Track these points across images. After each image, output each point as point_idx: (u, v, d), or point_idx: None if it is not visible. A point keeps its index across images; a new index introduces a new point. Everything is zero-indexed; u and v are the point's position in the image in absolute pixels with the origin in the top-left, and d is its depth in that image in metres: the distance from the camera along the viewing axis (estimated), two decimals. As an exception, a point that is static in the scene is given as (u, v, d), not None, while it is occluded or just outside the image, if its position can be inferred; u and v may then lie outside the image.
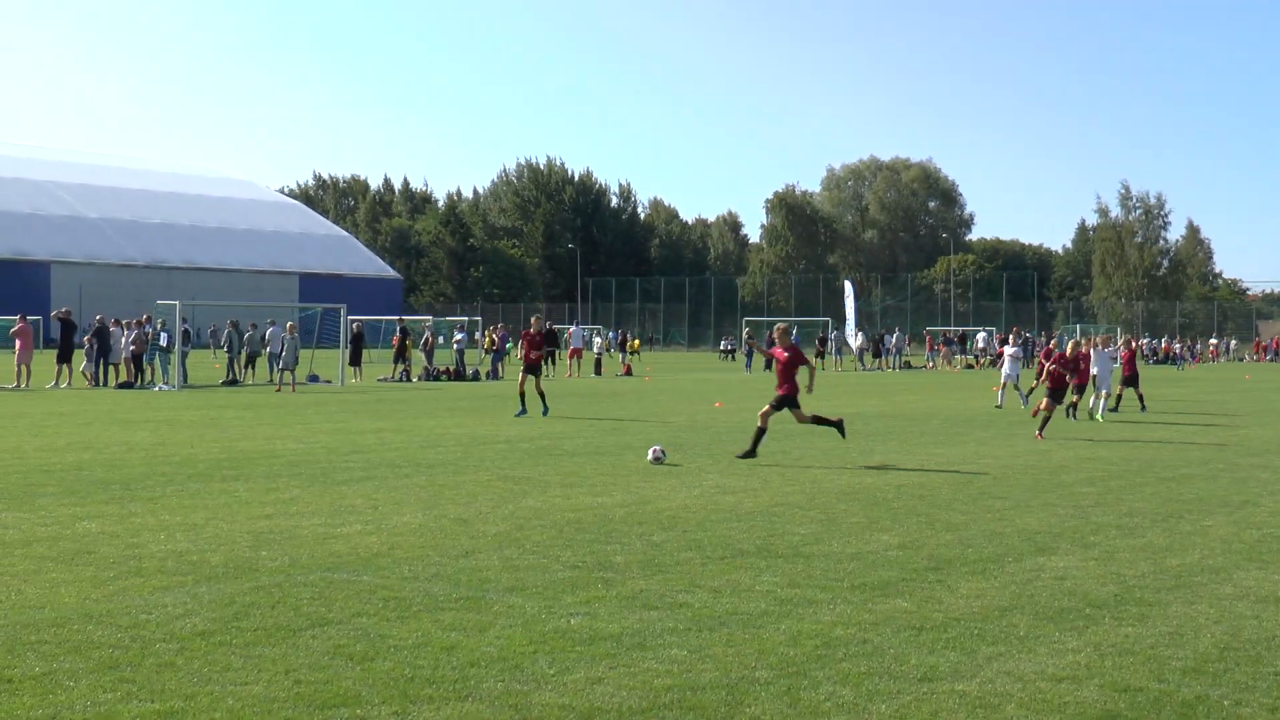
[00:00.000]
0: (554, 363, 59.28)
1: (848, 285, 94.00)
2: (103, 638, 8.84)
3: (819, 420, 21.61)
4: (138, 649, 8.54)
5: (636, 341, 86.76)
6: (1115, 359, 35.62)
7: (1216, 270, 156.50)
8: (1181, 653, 8.79)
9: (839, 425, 21.86)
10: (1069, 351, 28.64)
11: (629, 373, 61.43)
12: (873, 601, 10.33)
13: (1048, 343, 38.21)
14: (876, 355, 77.41)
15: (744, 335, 75.38)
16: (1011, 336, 40.99)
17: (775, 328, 21.97)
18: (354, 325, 53.06)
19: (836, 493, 17.02)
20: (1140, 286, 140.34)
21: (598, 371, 61.17)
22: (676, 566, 11.67)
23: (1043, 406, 27.22)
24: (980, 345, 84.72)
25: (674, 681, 7.92)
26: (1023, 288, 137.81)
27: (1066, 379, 28.11)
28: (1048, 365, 28.30)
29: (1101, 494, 17.14)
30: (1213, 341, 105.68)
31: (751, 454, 20.77)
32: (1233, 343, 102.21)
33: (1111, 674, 8.22)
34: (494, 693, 7.62)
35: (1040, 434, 26.16)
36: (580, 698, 7.56)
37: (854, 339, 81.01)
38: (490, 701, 7.45)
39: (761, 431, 21.00)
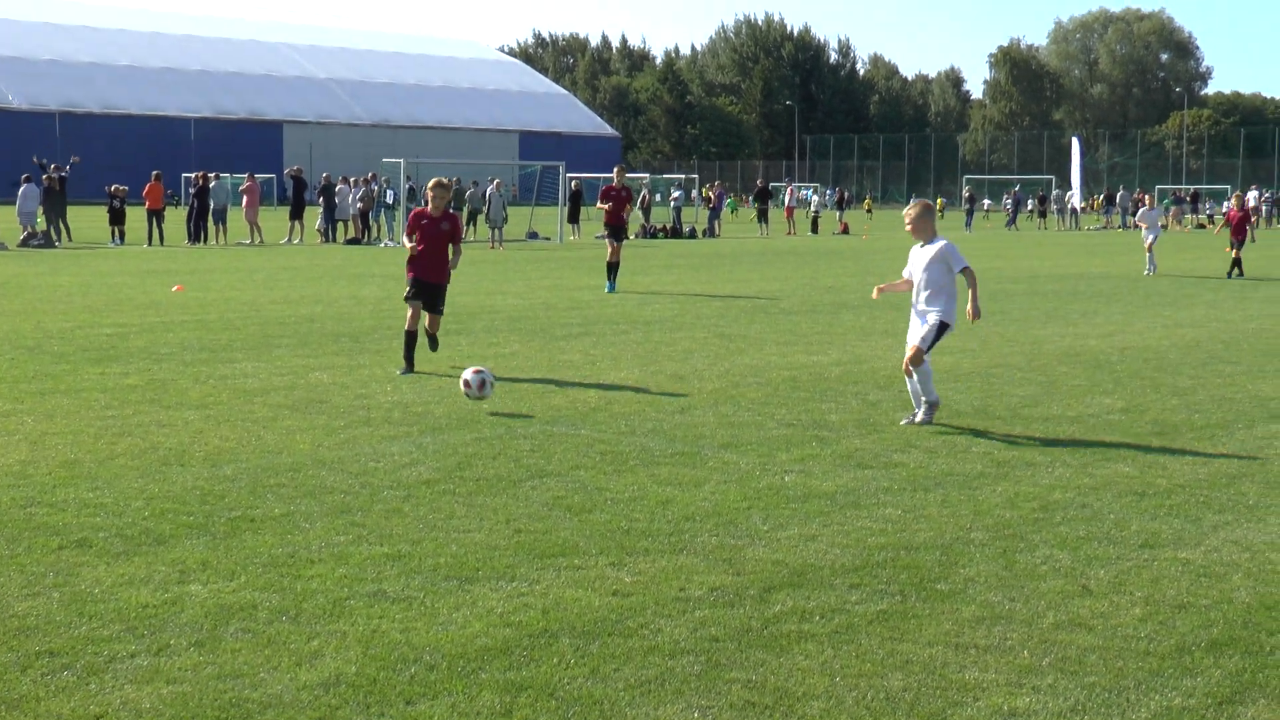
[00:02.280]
0: (767, 220, 58.97)
1: (1075, 142, 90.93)
2: (335, 483, 9.19)
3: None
4: (367, 495, 8.87)
5: (869, 200, 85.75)
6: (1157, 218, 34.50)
7: None
8: None
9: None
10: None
11: (846, 231, 60.78)
12: (1093, 465, 10.13)
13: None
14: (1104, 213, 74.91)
15: (965, 194, 73.74)
16: (1149, 199, 36.93)
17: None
18: (573, 183, 53.45)
19: (1057, 355, 16.66)
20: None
21: (814, 229, 60.66)
22: (892, 426, 11.60)
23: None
24: (1251, 204, 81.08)
25: (888, 540, 7.91)
26: (1263, 144, 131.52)
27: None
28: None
29: (1341, 360, 16.43)
30: None
31: None
32: None
33: (1346, 545, 7.94)
34: (708, 546, 7.72)
35: None
36: (793, 554, 7.60)
37: (1077, 198, 78.37)
38: (704, 555, 7.55)
39: None
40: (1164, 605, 6.77)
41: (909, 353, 11.65)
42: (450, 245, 14.56)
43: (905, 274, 12.10)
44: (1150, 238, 33.30)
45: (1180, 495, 9.20)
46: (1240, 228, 31.97)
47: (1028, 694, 5.59)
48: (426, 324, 14.60)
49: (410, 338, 14.56)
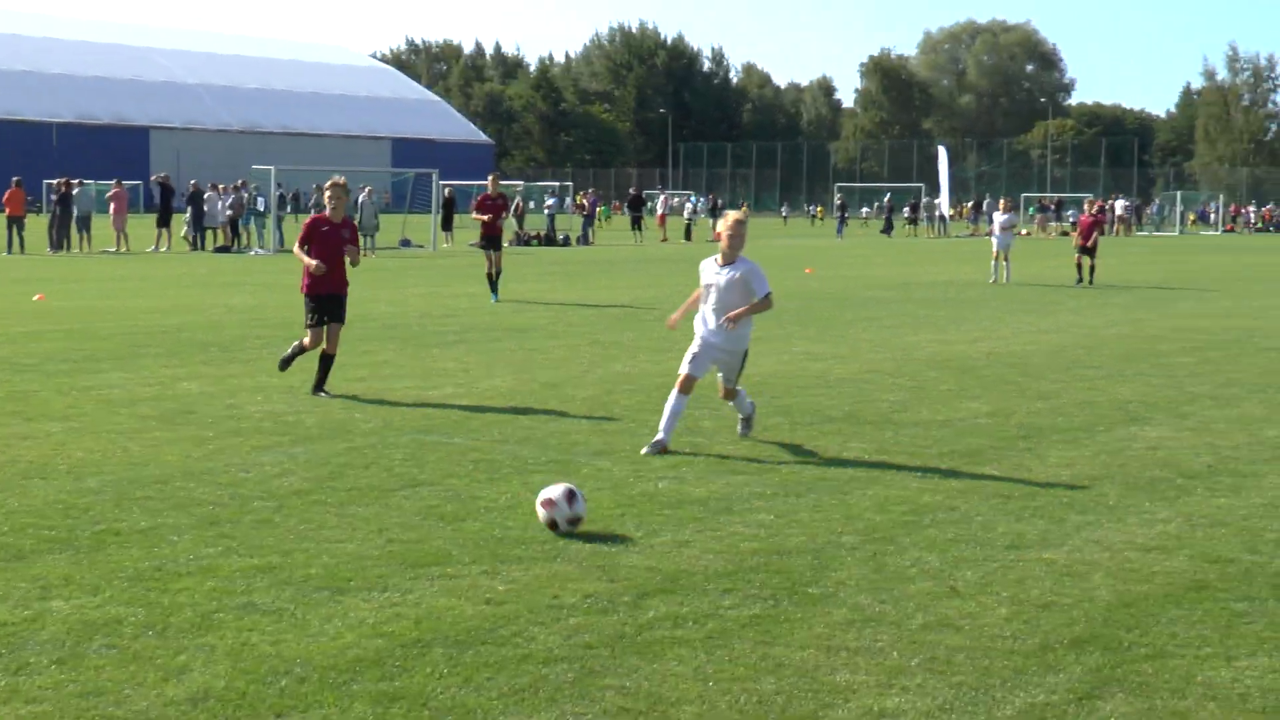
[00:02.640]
0: (641, 227, 59.20)
1: (942, 151, 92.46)
2: (204, 495, 9.05)
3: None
4: (237, 506, 8.75)
5: (745, 206, 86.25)
6: (1013, 226, 34.65)
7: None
8: (1275, 525, 8.70)
9: None
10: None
11: (719, 238, 61.08)
12: (961, 469, 10.31)
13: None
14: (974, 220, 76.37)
15: (836, 202, 74.59)
16: (1003, 203, 36.13)
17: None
18: (446, 190, 53.18)
19: (926, 360, 16.93)
20: (1246, 152, 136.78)
21: (688, 237, 60.96)
22: (764, 432, 11.70)
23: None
24: (1120, 213, 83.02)
25: (760, 545, 7.98)
26: (1123, 154, 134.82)
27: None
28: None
29: (1198, 364, 16.90)
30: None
31: None
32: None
33: (1202, 545, 8.17)
34: (581, 554, 7.73)
35: None
36: (666, 560, 7.64)
37: (945, 206, 79.68)
38: (578, 562, 7.55)
39: None
40: (1029, 605, 6.91)
41: (721, 390, 11.24)
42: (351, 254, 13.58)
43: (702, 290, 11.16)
44: (1000, 244, 32.85)
45: (1045, 497, 9.40)
46: (1090, 234, 32.35)
47: (897, 694, 5.68)
48: (326, 343, 13.39)
49: (301, 349, 13.66)
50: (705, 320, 11.00)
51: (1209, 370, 16.28)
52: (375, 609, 6.67)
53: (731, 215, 11.23)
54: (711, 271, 11.04)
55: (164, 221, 44.80)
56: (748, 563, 7.60)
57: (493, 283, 24.96)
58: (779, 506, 8.98)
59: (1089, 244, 32.06)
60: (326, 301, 13.48)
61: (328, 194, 13.56)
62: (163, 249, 43.72)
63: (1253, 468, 10.50)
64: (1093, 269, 32.13)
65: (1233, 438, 11.79)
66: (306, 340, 13.58)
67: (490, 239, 25.01)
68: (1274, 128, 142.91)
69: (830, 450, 10.99)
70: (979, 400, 13.71)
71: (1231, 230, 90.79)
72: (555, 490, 8.14)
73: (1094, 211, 33.38)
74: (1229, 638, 6.44)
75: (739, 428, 11.49)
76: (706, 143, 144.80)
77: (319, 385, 13.40)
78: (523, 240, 53.08)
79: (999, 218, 33.96)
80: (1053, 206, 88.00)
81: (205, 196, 45.72)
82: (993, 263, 32.78)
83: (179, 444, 10.82)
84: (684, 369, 10.90)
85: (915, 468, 10.32)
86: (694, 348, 10.97)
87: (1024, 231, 78.49)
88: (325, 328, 13.44)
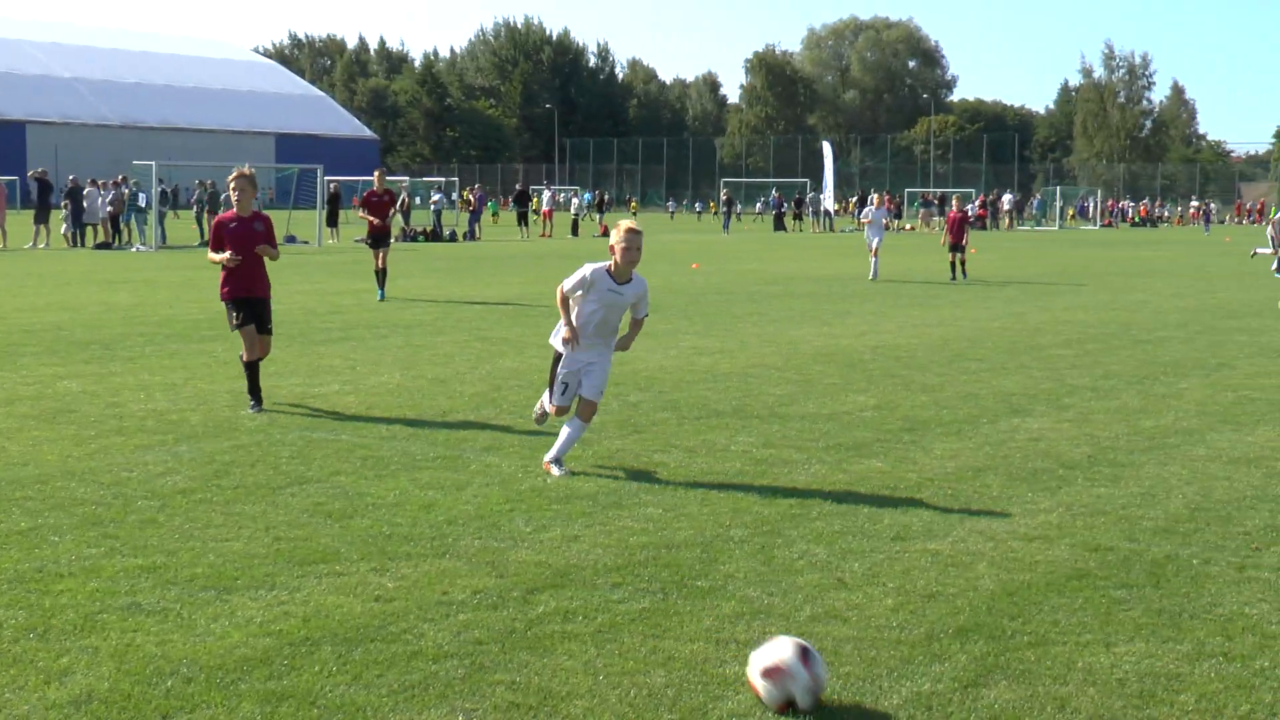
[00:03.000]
0: (527, 223, 59.12)
1: (826, 147, 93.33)
2: (86, 494, 8.89)
3: None
4: (120, 505, 8.60)
5: (635, 203, 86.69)
6: (883, 220, 34.40)
7: (1200, 132, 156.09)
8: (1153, 513, 8.90)
9: None
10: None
11: (606, 233, 61.27)
12: (847, 462, 10.43)
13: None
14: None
15: (722, 197, 74.99)
16: (875, 198, 35.70)
17: None
18: (331, 186, 52.66)
19: (812, 354, 17.08)
20: (1122, 148, 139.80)
21: (574, 232, 60.95)
22: (653, 427, 11.75)
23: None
24: (1008, 207, 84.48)
25: (649, 540, 8.01)
26: (1003, 149, 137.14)
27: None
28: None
29: (1078, 356, 17.23)
30: (1194, 204, 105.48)
31: None
32: (1213, 205, 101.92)
33: (1083, 534, 8.34)
34: (471, 550, 7.71)
35: None
36: (556, 555, 7.64)
37: (830, 201, 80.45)
38: (467, 558, 7.53)
39: None
40: (914, 595, 7.01)
41: (587, 408, 9.91)
42: (265, 252, 12.40)
43: (583, 298, 9.83)
44: (874, 240, 32.59)
45: (929, 489, 9.53)
46: (958, 230, 32.41)
47: (786, 685, 5.71)
48: (256, 349, 12.37)
49: (252, 369, 12.36)
50: (586, 341, 9.81)
51: (1088, 362, 16.61)
52: (263, 608, 6.59)
53: (625, 225, 9.83)
54: (605, 288, 9.71)
55: (42, 218, 43.84)
56: (637, 557, 7.63)
57: (380, 279, 24.70)
58: (667, 500, 9.01)
59: (959, 241, 32.39)
60: (248, 307, 12.31)
61: (232, 186, 12.18)
62: (41, 245, 42.79)
63: (1130, 458, 10.74)
64: (964, 264, 32.33)
65: (1111, 428, 12.04)
66: (244, 352, 12.37)
67: (377, 236, 24.74)
68: (1149, 124, 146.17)
69: (718, 444, 11.05)
70: (865, 394, 13.87)
71: (1110, 225, 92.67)
72: (779, 651, 5.57)
73: (960, 208, 33.48)
74: (1108, 624, 6.58)
75: (551, 452, 9.94)
76: (593, 138, 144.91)
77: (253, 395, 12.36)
78: (409, 236, 52.72)
79: (870, 213, 33.64)
80: (935, 201, 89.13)
81: (84, 192, 44.84)
82: (872, 259, 32.54)
83: (59, 443, 10.61)
84: (555, 401, 9.97)
85: (802, 461, 10.42)
86: (573, 372, 9.85)
87: (908, 226, 79.56)
88: (254, 331, 12.31)
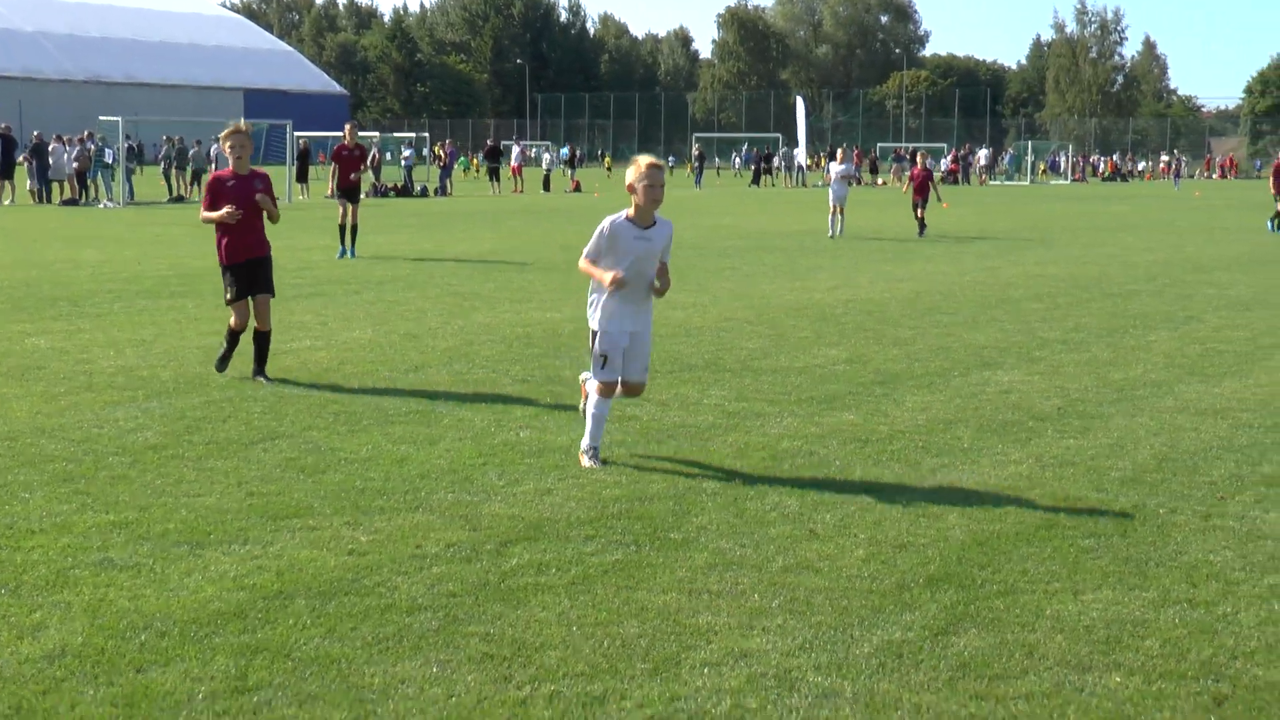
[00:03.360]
0: (499, 179, 58.92)
1: (800, 101, 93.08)
2: (56, 451, 8.86)
3: None
4: (90, 462, 8.58)
5: (608, 159, 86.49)
6: (850, 176, 33.70)
7: (1171, 87, 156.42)
8: (1121, 464, 8.98)
9: None
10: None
11: (578, 189, 61.16)
12: (819, 415, 10.47)
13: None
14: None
15: (694, 152, 74.79)
16: (840, 152, 34.14)
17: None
18: (300, 141, 52.35)
19: (785, 308, 17.11)
20: (1094, 103, 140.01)
21: (546, 188, 60.80)
22: (626, 381, 11.74)
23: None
24: (984, 162, 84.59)
25: (622, 492, 8.03)
26: (976, 104, 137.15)
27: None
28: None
29: (1049, 310, 17.31)
30: (1164, 159, 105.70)
31: None
32: (1183, 160, 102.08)
33: (1052, 484, 8.40)
34: (444, 504, 7.72)
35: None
36: (529, 508, 7.66)
37: (803, 156, 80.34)
38: (440, 512, 7.54)
39: None
40: (886, 545, 7.06)
41: (635, 389, 8.94)
42: (266, 205, 11.73)
43: (603, 260, 8.61)
44: (837, 197, 31.78)
45: (901, 441, 9.58)
46: (923, 187, 32.24)
47: (758, 635, 5.77)
48: (256, 320, 11.60)
49: (234, 336, 11.70)
50: (623, 302, 8.63)
51: (1059, 316, 16.69)
52: (236, 562, 6.60)
53: (645, 161, 8.62)
54: (631, 237, 8.52)
55: (6, 174, 43.46)
56: (610, 509, 7.65)
57: (344, 234, 24.32)
58: (641, 454, 9.04)
59: (924, 197, 32.19)
60: (249, 270, 11.62)
61: (227, 145, 11.37)
62: (6, 202, 42.46)
63: (1099, 409, 10.81)
64: (923, 219, 31.99)
65: (1081, 381, 12.12)
66: (233, 321, 11.64)
67: (347, 191, 24.58)
68: (1120, 79, 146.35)
69: (691, 398, 11.08)
70: (837, 347, 13.91)
71: (1080, 180, 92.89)
72: None
73: (925, 164, 33.34)
74: (1076, 573, 6.65)
75: (585, 440, 8.83)
76: (564, 93, 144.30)
77: (259, 369, 11.61)
78: (380, 192, 52.50)
79: (835, 168, 32.99)
80: (908, 156, 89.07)
81: (50, 149, 44.47)
82: (830, 216, 31.94)
83: (28, 400, 10.57)
84: (600, 378, 8.68)
85: (774, 414, 10.45)
86: (615, 343, 8.63)
87: (880, 181, 79.54)
88: (252, 301, 11.59)
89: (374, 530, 7.16)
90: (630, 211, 8.58)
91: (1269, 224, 35.24)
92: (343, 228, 24.32)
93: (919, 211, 31.95)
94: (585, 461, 8.66)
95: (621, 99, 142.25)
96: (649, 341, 8.92)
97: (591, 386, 8.81)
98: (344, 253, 24.12)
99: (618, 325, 8.62)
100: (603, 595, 6.22)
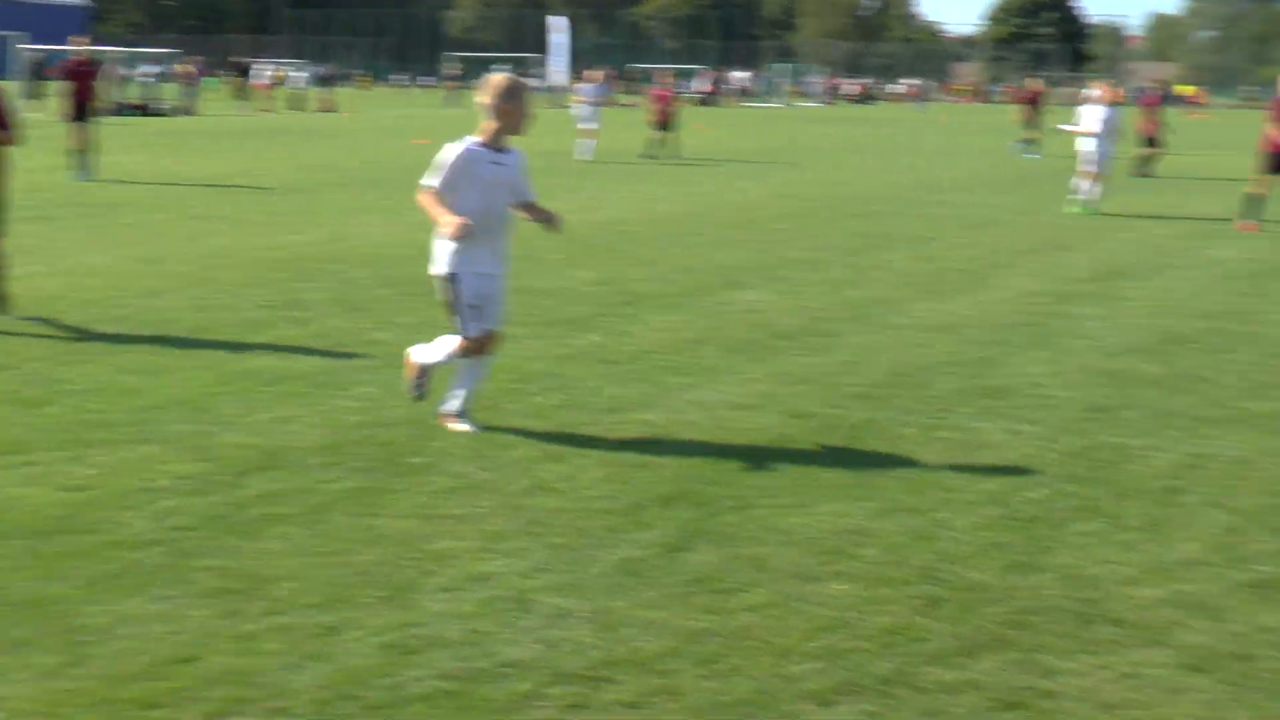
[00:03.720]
0: (247, 97, 57.27)
1: (555, 21, 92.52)
2: None
3: None
4: None
5: (368, 79, 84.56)
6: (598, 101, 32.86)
7: (916, 13, 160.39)
8: (855, 380, 9.23)
9: None
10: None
11: (330, 109, 59.87)
12: (568, 336, 10.49)
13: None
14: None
15: (447, 73, 73.78)
16: (588, 73, 34.13)
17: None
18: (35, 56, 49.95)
19: (534, 232, 17.01)
20: (846, 27, 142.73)
21: (297, 108, 59.32)
22: (372, 304, 11.59)
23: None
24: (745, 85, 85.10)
25: (363, 419, 7.92)
26: (733, 27, 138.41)
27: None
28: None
29: (793, 230, 17.65)
30: (914, 82, 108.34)
31: None
32: (928, 84, 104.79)
33: (789, 401, 8.59)
34: (174, 435, 7.48)
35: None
36: (266, 437, 7.49)
37: (563, 77, 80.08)
38: (170, 443, 7.30)
39: None
40: (624, 466, 7.12)
41: (495, 342, 7.91)
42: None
43: (459, 193, 7.55)
44: (586, 119, 31.55)
45: (646, 361, 9.68)
46: (665, 108, 32.25)
47: (497, 558, 5.77)
48: None
49: None
50: (482, 241, 7.65)
51: (803, 236, 17.04)
52: (-52, 501, 6.30)
53: (504, 77, 7.65)
54: (486, 162, 7.57)
55: None
56: (350, 436, 7.54)
57: (80, 157, 23.12)
58: (384, 379, 8.92)
59: (664, 120, 32.20)
60: None
61: None
62: None
63: (836, 327, 11.09)
64: (664, 142, 31.93)
65: (821, 299, 12.41)
66: None
67: (79, 108, 23.32)
68: (871, 4, 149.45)
69: (438, 321, 10.92)
70: (586, 268, 13.94)
71: (829, 103, 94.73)
72: None
73: (666, 85, 33.43)
74: (807, 487, 6.82)
75: (452, 404, 7.86)
76: (317, 9, 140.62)
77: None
78: (121, 110, 50.49)
79: (586, 89, 32.78)
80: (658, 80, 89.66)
81: None
82: (576, 140, 31.68)
83: None
84: (481, 326, 7.67)
85: (523, 336, 10.41)
86: (478, 289, 7.65)
87: (633, 103, 79.75)
88: None
89: (97, 465, 6.89)
90: (482, 136, 7.57)
91: (1018, 146, 36.48)
92: (76, 151, 23.15)
93: (662, 134, 32.04)
94: (463, 428, 7.71)
95: (378, 16, 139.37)
96: (504, 284, 7.91)
97: (450, 346, 7.73)
98: (81, 175, 22.96)
99: (485, 268, 7.68)
100: (339, 523, 6.14)
